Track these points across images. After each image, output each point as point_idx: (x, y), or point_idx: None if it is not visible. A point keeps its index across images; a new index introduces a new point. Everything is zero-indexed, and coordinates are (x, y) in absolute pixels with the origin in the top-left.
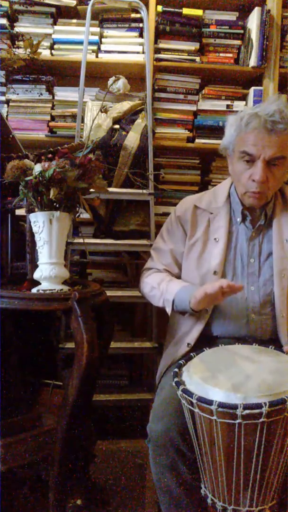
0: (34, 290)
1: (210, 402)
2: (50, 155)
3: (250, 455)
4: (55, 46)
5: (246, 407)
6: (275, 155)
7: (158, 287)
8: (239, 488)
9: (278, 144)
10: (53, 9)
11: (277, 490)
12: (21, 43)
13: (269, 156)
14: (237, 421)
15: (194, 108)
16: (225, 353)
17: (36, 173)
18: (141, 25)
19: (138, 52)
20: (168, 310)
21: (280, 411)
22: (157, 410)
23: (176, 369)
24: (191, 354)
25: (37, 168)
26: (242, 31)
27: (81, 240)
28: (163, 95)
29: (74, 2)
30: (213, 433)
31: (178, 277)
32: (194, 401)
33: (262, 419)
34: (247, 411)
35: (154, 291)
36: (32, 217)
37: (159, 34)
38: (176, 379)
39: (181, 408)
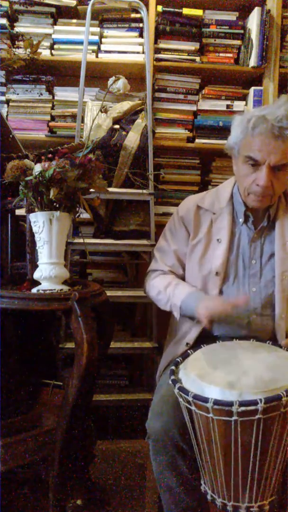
0: (34, 290)
1: (206, 400)
2: (50, 155)
3: (248, 451)
4: (55, 46)
5: (241, 404)
6: (280, 162)
7: (165, 291)
8: (238, 484)
9: (283, 150)
10: (53, 9)
11: (276, 485)
12: (21, 43)
13: (274, 162)
14: (233, 418)
15: (194, 108)
16: (222, 349)
17: (36, 173)
18: (141, 25)
19: (138, 52)
20: (177, 314)
21: (276, 407)
22: (155, 407)
23: (173, 367)
24: (188, 351)
25: (37, 168)
26: (242, 31)
27: (81, 240)
28: (163, 95)
29: (74, 2)
30: (210, 430)
31: (183, 278)
32: (190, 399)
33: (258, 416)
34: (242, 408)
35: (161, 295)
36: (32, 217)
37: (159, 34)
38: (172, 377)
39: (180, 405)
